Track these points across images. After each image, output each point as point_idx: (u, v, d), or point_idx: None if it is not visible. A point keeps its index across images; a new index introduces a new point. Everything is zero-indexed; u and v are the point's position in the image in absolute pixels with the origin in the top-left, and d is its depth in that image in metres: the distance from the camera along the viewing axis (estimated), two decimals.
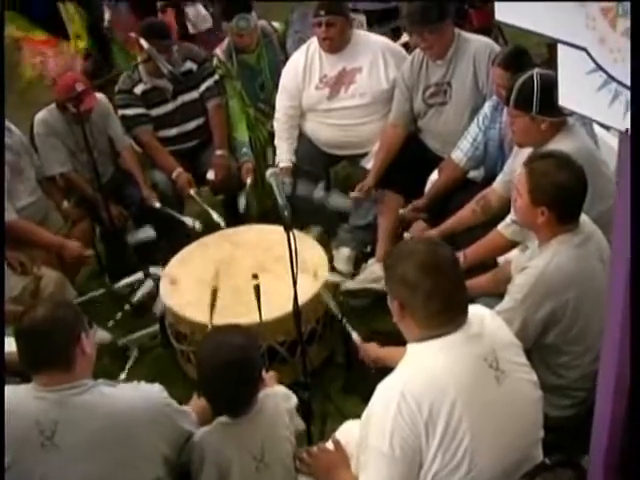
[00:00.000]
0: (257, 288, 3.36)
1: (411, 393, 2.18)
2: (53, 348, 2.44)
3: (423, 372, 2.25)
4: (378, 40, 4.84)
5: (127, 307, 4.22)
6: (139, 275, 4.19)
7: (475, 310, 2.41)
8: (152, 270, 4.18)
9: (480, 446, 2.20)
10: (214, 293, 3.62)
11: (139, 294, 4.19)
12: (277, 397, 2.83)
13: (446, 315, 2.27)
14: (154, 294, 4.13)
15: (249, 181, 4.90)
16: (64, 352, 2.45)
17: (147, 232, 4.43)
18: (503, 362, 2.30)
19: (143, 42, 4.31)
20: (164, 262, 4.21)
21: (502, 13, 1.69)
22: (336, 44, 4.66)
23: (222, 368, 2.59)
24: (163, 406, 2.57)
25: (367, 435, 2.28)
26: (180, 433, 2.62)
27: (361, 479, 2.32)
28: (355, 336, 3.53)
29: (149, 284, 4.17)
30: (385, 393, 2.26)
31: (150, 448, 2.49)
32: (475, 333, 2.30)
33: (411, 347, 2.34)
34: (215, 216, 4.59)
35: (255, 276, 3.34)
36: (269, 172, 3.25)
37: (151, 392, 2.57)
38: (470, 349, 2.27)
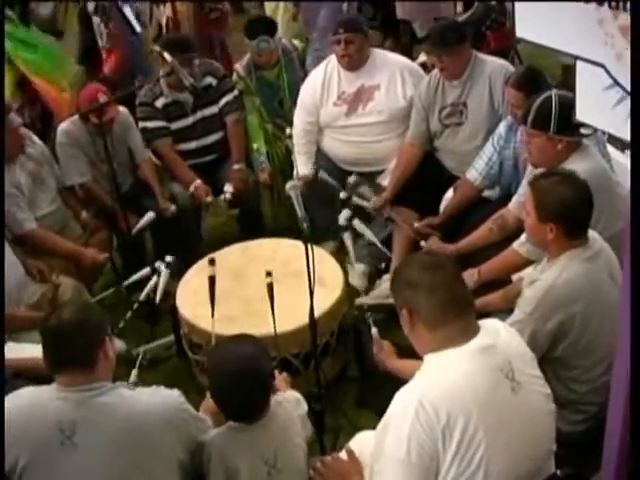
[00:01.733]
0: (270, 286, 3.41)
1: (429, 400, 2.20)
2: (77, 349, 2.48)
3: (441, 380, 2.27)
4: (396, 59, 4.90)
5: (136, 305, 4.27)
6: (146, 270, 4.23)
7: (489, 322, 2.46)
8: (157, 264, 4.22)
9: (495, 456, 2.21)
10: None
11: (145, 290, 4.21)
12: (289, 403, 2.86)
13: (453, 314, 2.32)
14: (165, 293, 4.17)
15: (265, 178, 4.98)
16: (87, 354, 2.49)
17: (148, 216, 4.46)
18: (519, 373, 2.33)
19: (167, 55, 4.37)
20: (180, 273, 4.25)
21: (522, 30, 1.74)
22: (354, 61, 4.72)
23: (233, 375, 2.62)
24: (181, 411, 2.60)
25: (383, 442, 2.29)
26: (195, 439, 2.64)
27: None
28: (374, 331, 3.54)
29: (156, 280, 4.19)
30: (403, 400, 2.28)
31: (166, 452, 2.51)
32: (490, 344, 2.32)
33: (428, 357, 2.36)
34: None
35: (269, 274, 3.38)
36: (289, 184, 3.29)
37: (169, 397, 2.60)
38: (486, 359, 2.30)
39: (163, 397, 2.59)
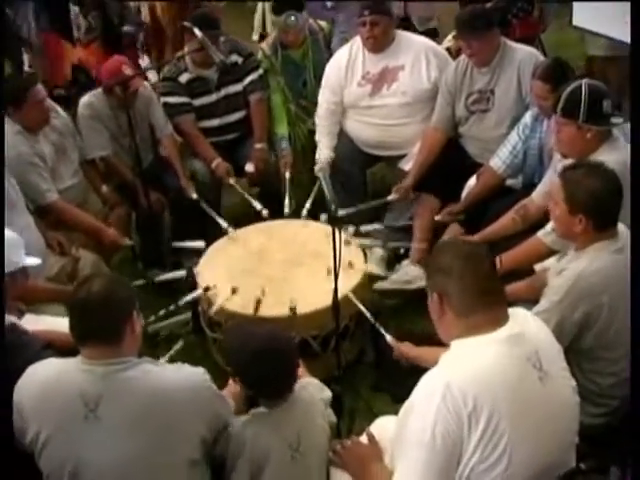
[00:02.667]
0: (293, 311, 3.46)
1: (457, 385, 2.19)
2: (105, 323, 2.46)
3: (469, 365, 2.26)
4: (421, 40, 4.86)
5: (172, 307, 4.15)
6: (181, 273, 4.19)
7: (518, 311, 2.44)
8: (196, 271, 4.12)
9: (518, 445, 2.20)
10: (256, 284, 3.61)
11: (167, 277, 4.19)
12: (312, 387, 2.86)
13: (483, 302, 2.31)
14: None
15: (288, 175, 4.92)
16: (115, 327, 2.48)
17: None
18: (546, 363, 2.32)
19: (196, 31, 4.33)
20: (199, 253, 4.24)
21: (579, 19, 1.71)
22: (379, 43, 4.69)
23: (264, 352, 2.64)
24: (205, 389, 2.59)
25: (406, 426, 2.28)
26: (218, 417, 2.63)
27: (398, 468, 2.31)
28: (389, 338, 3.54)
29: (181, 273, 4.18)
30: (429, 384, 2.27)
31: (189, 429, 2.50)
32: (519, 332, 2.32)
33: (455, 343, 2.35)
34: (256, 204, 4.63)
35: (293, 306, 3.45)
36: (318, 167, 3.27)
37: (194, 374, 2.59)
38: (514, 348, 2.28)
39: (188, 374, 2.58)
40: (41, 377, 2.53)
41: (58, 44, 6.32)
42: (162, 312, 4.01)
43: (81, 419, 2.40)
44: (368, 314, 3.73)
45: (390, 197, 4.64)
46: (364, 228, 4.50)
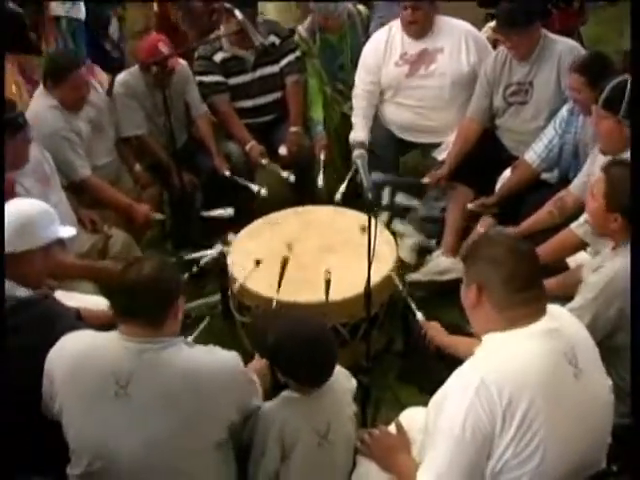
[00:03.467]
0: (328, 283, 3.37)
1: (492, 380, 2.17)
2: (151, 303, 2.47)
3: (505, 360, 2.24)
4: (461, 24, 4.79)
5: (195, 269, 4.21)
6: (213, 252, 4.17)
7: (554, 307, 2.42)
8: (225, 249, 4.11)
9: (552, 442, 2.18)
10: (287, 269, 3.61)
11: (206, 258, 4.15)
12: (343, 376, 2.86)
13: (524, 297, 2.29)
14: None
15: (323, 157, 4.90)
16: (159, 311, 2.48)
17: (228, 212, 4.40)
18: (582, 360, 2.29)
19: (237, 13, 4.31)
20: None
21: None
22: (420, 28, 4.65)
23: (313, 339, 2.66)
24: (237, 374, 2.59)
25: (438, 417, 2.26)
26: (249, 402, 2.64)
27: (427, 459, 2.30)
28: (419, 316, 3.52)
29: (217, 249, 4.14)
30: (464, 377, 2.25)
31: (219, 413, 2.50)
32: (555, 327, 2.29)
33: (491, 336, 2.33)
34: (284, 173, 4.67)
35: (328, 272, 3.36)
36: (356, 153, 3.24)
37: (227, 358, 2.59)
38: (550, 342, 2.26)
39: (222, 358, 2.58)
40: (75, 348, 2.54)
41: None
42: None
43: (111, 395, 2.40)
44: (405, 294, 3.71)
45: (424, 180, 4.61)
46: (400, 199, 4.47)
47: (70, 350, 2.53)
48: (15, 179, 3.59)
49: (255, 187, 4.59)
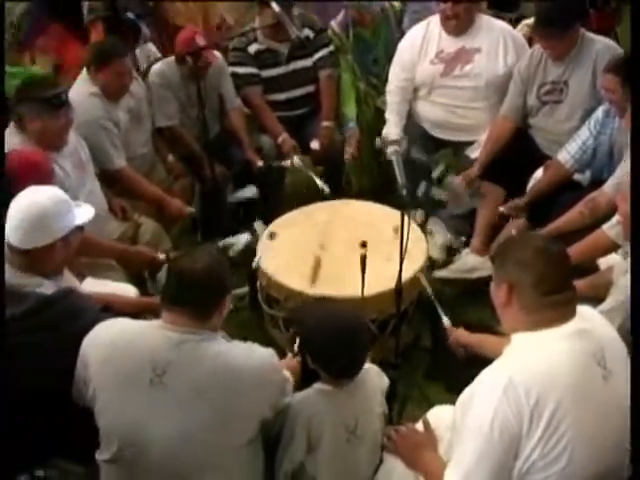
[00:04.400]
0: (363, 259, 3.34)
1: (521, 380, 2.17)
2: (200, 296, 2.49)
3: (534, 360, 2.24)
4: (501, 25, 4.74)
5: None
6: (245, 236, 4.17)
7: (585, 309, 2.42)
8: (255, 227, 4.17)
9: (579, 443, 2.18)
10: (317, 263, 3.60)
11: (237, 247, 4.15)
12: (374, 373, 2.86)
13: (553, 300, 2.29)
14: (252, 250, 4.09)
15: (350, 150, 4.92)
16: (207, 306, 2.51)
17: (251, 190, 4.39)
18: (610, 362, 2.29)
19: (274, 5, 4.31)
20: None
21: None
22: (459, 26, 4.59)
23: (345, 330, 2.66)
24: (273, 372, 2.61)
25: (465, 416, 2.27)
26: (282, 400, 2.65)
27: (454, 457, 2.31)
28: (445, 320, 3.51)
29: (247, 237, 4.15)
30: (492, 376, 2.26)
31: (252, 409, 2.51)
32: (585, 328, 2.30)
33: (520, 336, 2.33)
34: (319, 182, 4.60)
35: (364, 244, 3.30)
36: (391, 149, 3.23)
37: (264, 356, 2.60)
38: (580, 343, 2.26)
39: (258, 355, 2.58)
40: (112, 333, 2.56)
41: None
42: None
43: (146, 382, 2.42)
44: (432, 296, 3.69)
45: (456, 180, 4.59)
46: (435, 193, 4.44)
47: (107, 335, 2.55)
48: (55, 160, 3.60)
49: (320, 183, 4.56)
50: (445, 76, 4.70)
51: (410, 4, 5.52)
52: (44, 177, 3.22)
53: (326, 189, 4.54)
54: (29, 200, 2.78)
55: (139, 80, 4.60)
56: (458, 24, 4.59)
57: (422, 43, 4.72)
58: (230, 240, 4.23)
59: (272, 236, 3.80)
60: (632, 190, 2.73)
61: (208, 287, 2.51)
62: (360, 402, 2.73)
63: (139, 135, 4.55)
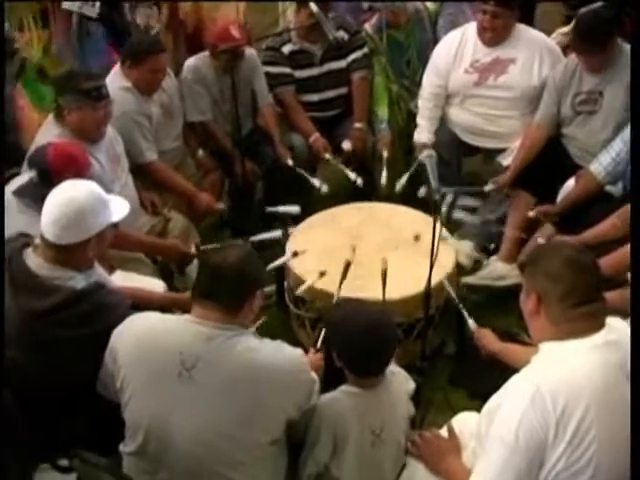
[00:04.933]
0: (384, 273, 3.35)
1: (548, 389, 2.16)
2: (231, 290, 2.50)
3: (561, 370, 2.22)
4: (538, 36, 4.70)
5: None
6: (277, 233, 4.15)
7: (614, 320, 2.39)
8: (290, 229, 4.10)
9: (605, 456, 2.16)
10: (347, 266, 3.60)
11: (276, 263, 4.03)
12: (401, 377, 2.86)
13: (582, 312, 2.27)
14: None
15: (386, 154, 4.88)
16: (237, 301, 2.52)
17: (294, 209, 4.37)
18: None
19: (313, 6, 4.30)
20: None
21: None
22: (497, 37, 4.56)
23: (371, 327, 2.66)
24: (301, 372, 2.60)
25: (491, 424, 2.26)
26: (308, 401, 2.64)
27: (479, 465, 2.30)
28: (471, 322, 3.48)
29: (277, 234, 4.12)
30: (520, 385, 2.25)
31: (279, 409, 2.51)
32: (613, 340, 2.28)
33: (548, 345, 2.32)
34: (351, 174, 4.62)
35: (384, 262, 3.33)
36: (425, 153, 3.23)
37: (293, 355, 2.60)
38: (608, 355, 2.25)
39: (287, 355, 2.59)
40: (142, 327, 2.57)
41: None
42: None
43: (175, 376, 2.43)
44: (457, 300, 3.67)
45: (487, 187, 4.57)
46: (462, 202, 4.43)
47: (136, 329, 2.57)
48: (91, 153, 3.61)
49: (317, 182, 4.60)
50: (479, 86, 4.68)
51: (445, 5, 5.50)
52: (82, 170, 3.24)
53: (359, 180, 4.55)
54: (66, 196, 2.75)
55: (171, 75, 4.60)
56: (494, 36, 4.57)
57: (457, 51, 4.70)
58: (262, 236, 4.20)
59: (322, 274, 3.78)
60: (632, 189, 2.71)
61: (239, 281, 2.51)
62: (386, 405, 2.72)
63: (170, 129, 4.57)
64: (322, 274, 3.68)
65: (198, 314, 2.51)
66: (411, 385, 2.91)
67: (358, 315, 2.72)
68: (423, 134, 4.81)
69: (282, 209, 4.39)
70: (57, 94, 3.70)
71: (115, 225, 2.98)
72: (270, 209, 4.48)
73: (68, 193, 2.77)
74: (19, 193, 3.25)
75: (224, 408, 2.42)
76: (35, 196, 3.12)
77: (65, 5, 5.03)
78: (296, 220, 4.23)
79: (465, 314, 3.56)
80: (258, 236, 4.18)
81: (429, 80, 4.85)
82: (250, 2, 5.62)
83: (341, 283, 3.52)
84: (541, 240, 4.11)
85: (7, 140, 4.19)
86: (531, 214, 4.32)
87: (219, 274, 2.51)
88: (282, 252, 3.96)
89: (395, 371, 2.81)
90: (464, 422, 2.76)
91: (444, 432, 2.76)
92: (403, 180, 4.59)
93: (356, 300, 2.95)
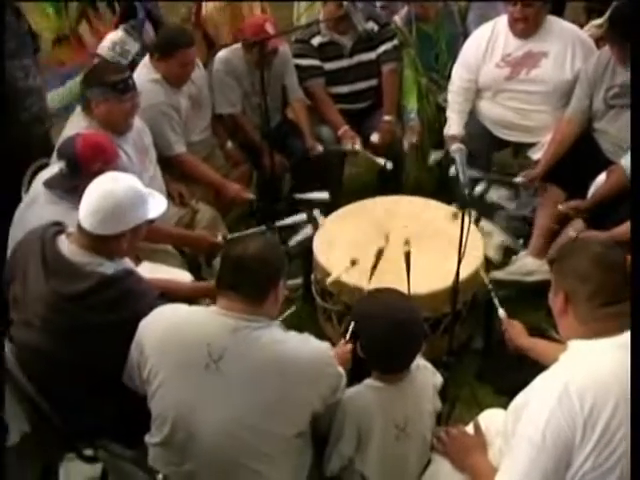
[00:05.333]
0: (407, 256, 3.30)
1: (575, 388, 2.14)
2: (254, 281, 2.50)
3: (589, 370, 2.20)
4: (570, 29, 4.63)
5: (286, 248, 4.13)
6: (302, 216, 4.14)
7: None
8: (315, 213, 4.09)
9: None
10: (379, 254, 3.57)
11: (297, 239, 4.11)
12: (427, 371, 2.83)
13: (610, 312, 2.25)
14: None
15: (413, 140, 4.89)
16: (261, 291, 2.51)
17: (323, 195, 4.36)
18: None
19: None
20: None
21: None
22: (528, 28, 4.50)
23: (399, 324, 2.64)
24: (327, 365, 2.59)
25: (518, 422, 2.24)
26: (334, 394, 2.63)
27: (505, 464, 2.28)
28: (501, 312, 3.44)
29: (308, 231, 4.09)
30: (547, 383, 2.22)
31: (304, 401, 2.51)
32: None
33: (576, 344, 2.29)
34: (379, 160, 4.62)
35: (407, 242, 3.27)
36: (455, 147, 3.20)
37: (319, 349, 2.59)
38: None
39: (314, 348, 2.58)
40: (169, 318, 2.58)
41: None
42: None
43: (202, 367, 2.43)
44: (491, 288, 3.62)
45: (517, 179, 4.52)
46: (493, 195, 4.40)
47: (163, 320, 2.57)
48: (118, 145, 3.62)
49: (381, 161, 4.59)
50: (510, 80, 4.62)
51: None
52: (110, 159, 3.25)
53: (388, 165, 4.54)
54: (106, 188, 2.77)
55: (200, 66, 4.61)
56: (526, 27, 4.51)
57: (487, 45, 4.65)
58: (286, 221, 4.20)
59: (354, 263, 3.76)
60: (632, 189, 2.68)
61: (262, 271, 2.51)
62: (411, 400, 2.71)
63: (199, 121, 4.57)
64: (354, 262, 3.65)
65: (223, 305, 2.51)
66: (438, 379, 2.89)
67: (385, 312, 2.69)
68: (453, 127, 4.78)
69: (311, 195, 4.38)
70: (84, 87, 3.72)
71: (151, 221, 2.99)
72: (299, 195, 4.50)
73: (109, 186, 2.78)
74: (49, 184, 3.26)
75: (250, 400, 2.42)
76: (65, 187, 3.15)
77: None
78: (324, 210, 4.19)
79: (496, 302, 3.52)
80: (283, 221, 4.19)
81: (459, 74, 4.81)
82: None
83: (373, 271, 3.50)
84: (572, 234, 4.07)
85: (35, 132, 4.20)
86: (561, 208, 4.28)
87: (241, 265, 2.50)
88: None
89: (421, 365, 2.79)
90: (490, 419, 2.75)
91: (470, 429, 2.75)
92: (437, 155, 4.52)
93: (386, 290, 2.91)
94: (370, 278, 3.51)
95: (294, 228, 4.22)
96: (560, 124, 4.51)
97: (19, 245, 2.93)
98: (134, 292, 2.78)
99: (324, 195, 4.33)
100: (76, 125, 3.64)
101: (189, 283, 3.56)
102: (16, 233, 3.17)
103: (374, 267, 3.54)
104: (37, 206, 3.26)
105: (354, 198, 4.36)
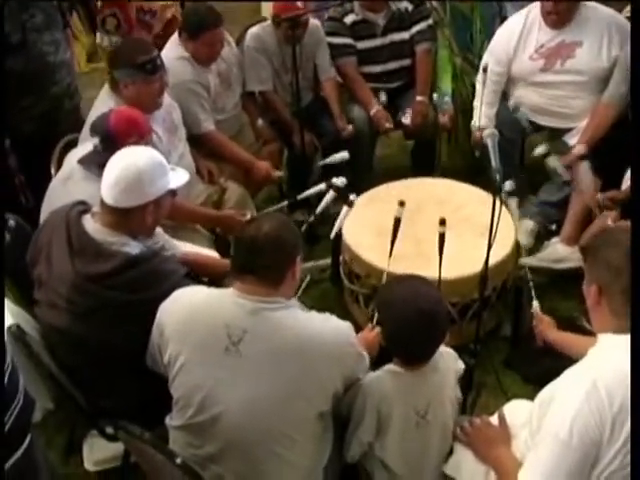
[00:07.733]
0: (442, 237, 3.26)
1: (604, 385, 2.08)
2: (270, 262, 2.46)
3: (618, 366, 2.12)
4: (606, 13, 4.46)
5: (311, 218, 4.12)
6: (322, 186, 4.07)
7: None
8: (334, 180, 4.00)
9: None
10: (397, 223, 3.50)
11: (322, 205, 4.03)
12: (450, 357, 2.79)
13: None
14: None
15: (446, 123, 4.84)
16: (277, 270, 2.47)
17: (342, 155, 4.29)
18: None
19: None
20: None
21: None
22: (561, 20, 4.38)
23: (424, 314, 2.58)
24: (349, 345, 2.56)
25: (543, 417, 2.19)
26: (355, 375, 2.61)
27: (530, 459, 2.24)
28: (535, 304, 3.37)
29: (331, 196, 4.01)
30: (575, 379, 2.16)
31: (326, 381, 2.48)
32: None
33: (606, 338, 2.23)
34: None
35: (442, 222, 3.22)
36: (487, 131, 3.14)
37: (341, 328, 2.56)
38: None
39: (335, 328, 2.55)
40: (189, 300, 2.56)
41: None
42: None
43: (222, 349, 2.41)
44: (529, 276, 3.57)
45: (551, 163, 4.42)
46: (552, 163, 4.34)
47: (184, 302, 2.55)
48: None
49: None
50: (545, 72, 4.51)
51: None
52: (144, 134, 3.25)
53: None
54: (126, 160, 2.76)
55: (231, 43, 4.57)
56: (559, 18, 4.39)
57: (520, 38, 4.52)
58: (308, 192, 4.19)
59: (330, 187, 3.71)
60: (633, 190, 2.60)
61: (275, 251, 2.46)
62: (432, 387, 2.67)
63: (228, 99, 4.53)
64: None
65: (239, 288, 2.48)
66: (460, 365, 2.84)
67: (409, 301, 2.63)
68: (482, 120, 4.62)
69: (332, 158, 4.31)
70: (111, 67, 3.68)
71: (174, 193, 2.96)
72: (322, 162, 4.46)
73: (128, 158, 2.78)
74: (84, 161, 3.25)
75: (271, 381, 2.40)
76: (100, 163, 3.10)
77: None
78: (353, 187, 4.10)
79: (532, 293, 3.45)
80: (304, 193, 4.19)
81: (490, 67, 4.64)
82: None
83: (393, 241, 3.46)
84: (609, 221, 3.98)
85: (65, 107, 4.18)
86: (599, 197, 4.19)
87: (255, 246, 2.45)
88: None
89: (443, 351, 2.74)
90: (515, 411, 2.70)
91: (495, 418, 2.70)
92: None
93: (411, 277, 2.86)
94: (390, 252, 3.47)
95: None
96: (597, 109, 4.41)
97: (43, 225, 2.93)
98: (159, 273, 2.76)
99: (344, 154, 4.25)
100: (105, 104, 3.60)
101: (220, 259, 3.52)
102: (49, 209, 3.15)
103: (394, 238, 3.47)
104: (71, 183, 3.24)
105: (385, 180, 4.32)
